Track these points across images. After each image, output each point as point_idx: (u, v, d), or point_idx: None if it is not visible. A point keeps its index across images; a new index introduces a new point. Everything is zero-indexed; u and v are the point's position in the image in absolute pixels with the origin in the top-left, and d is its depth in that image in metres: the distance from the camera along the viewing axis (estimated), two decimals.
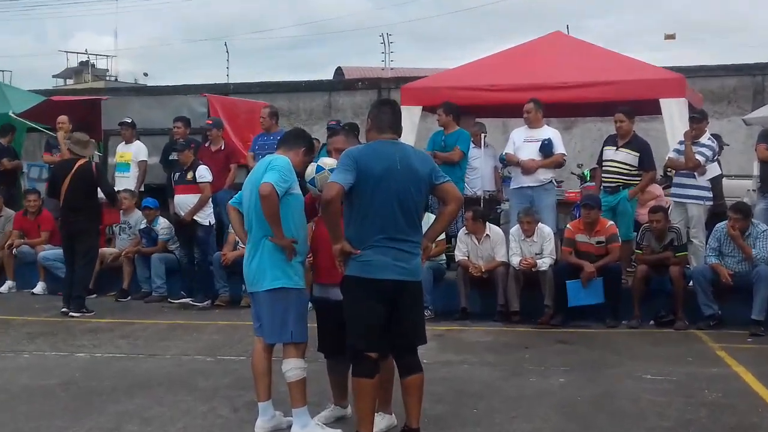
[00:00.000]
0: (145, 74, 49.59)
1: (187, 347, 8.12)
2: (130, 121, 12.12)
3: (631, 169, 9.75)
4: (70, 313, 9.70)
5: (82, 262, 9.91)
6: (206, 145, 11.68)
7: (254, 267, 5.35)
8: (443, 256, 10.09)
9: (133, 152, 12.00)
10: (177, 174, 10.68)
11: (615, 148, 9.84)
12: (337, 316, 5.14)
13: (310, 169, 5.37)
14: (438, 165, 10.10)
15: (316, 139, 12.33)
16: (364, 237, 4.85)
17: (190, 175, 10.51)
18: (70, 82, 51.73)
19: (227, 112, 13.05)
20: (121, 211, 11.45)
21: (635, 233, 9.95)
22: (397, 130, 5.10)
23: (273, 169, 5.24)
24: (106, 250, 11.31)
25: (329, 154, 5.57)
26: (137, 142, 12.14)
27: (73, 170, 9.80)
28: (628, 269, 9.97)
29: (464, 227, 9.78)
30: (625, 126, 9.76)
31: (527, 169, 9.92)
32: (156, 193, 11.70)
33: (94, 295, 10.87)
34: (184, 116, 11.95)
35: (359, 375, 4.88)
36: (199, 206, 10.42)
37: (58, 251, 10.82)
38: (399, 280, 4.88)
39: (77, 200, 9.81)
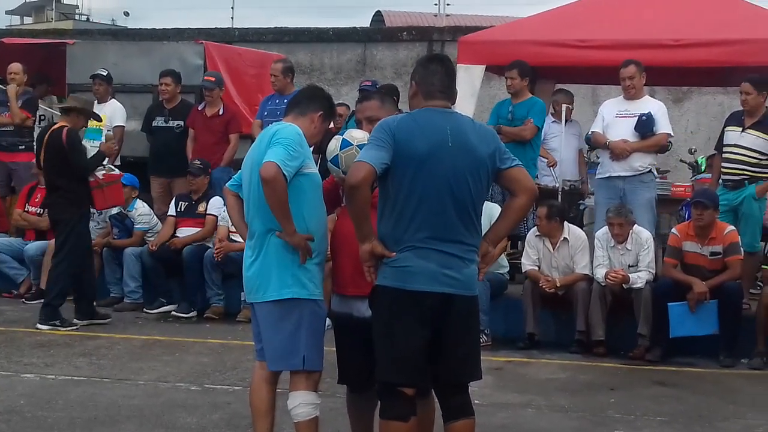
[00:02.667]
0: (126, 14, 50.36)
1: (167, 372, 8.19)
2: (105, 74, 12.22)
3: (760, 157, 9.68)
4: (37, 325, 9.78)
5: (55, 260, 9.98)
6: (199, 108, 11.77)
7: (256, 271, 5.37)
8: (505, 264, 10.06)
9: (107, 114, 12.10)
10: (183, 204, 10.91)
11: (740, 129, 9.77)
12: (363, 337, 5.15)
13: (334, 144, 5.34)
14: (504, 143, 10.29)
15: (344, 104, 12.57)
16: (402, 236, 4.85)
17: (202, 207, 10.81)
18: (28, 20, 52.42)
19: (230, 66, 13.15)
20: None
21: (763, 242, 9.86)
22: (451, 95, 5.09)
23: (278, 142, 5.23)
24: None
25: (358, 124, 5.55)
26: (113, 101, 12.25)
27: (45, 138, 10.02)
28: (751, 290, 9.89)
29: (535, 228, 9.76)
30: (753, 100, 9.67)
31: (617, 153, 9.88)
32: (135, 169, 11.80)
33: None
34: (174, 70, 12.03)
35: (390, 416, 4.89)
36: (193, 240, 10.71)
37: (5, 240, 10.96)
38: (447, 293, 4.88)
39: (51, 178, 10.06)
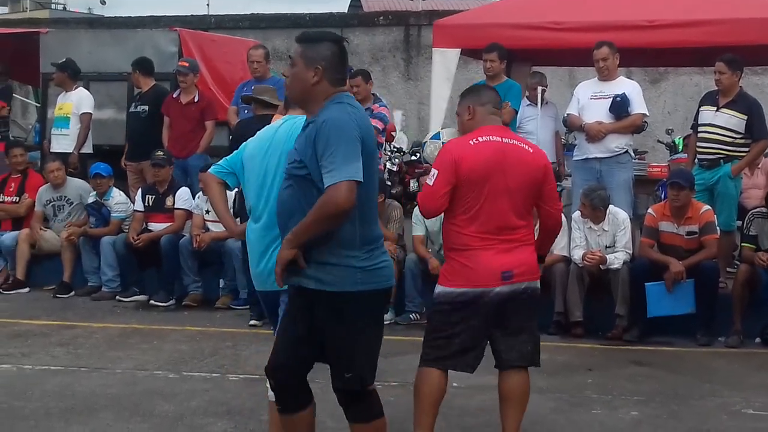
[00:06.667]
0: (103, 2, 49.91)
1: (145, 360, 8.18)
2: (60, 63, 12.09)
3: (735, 136, 9.69)
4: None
5: None
6: (174, 95, 11.72)
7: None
8: None
9: (73, 102, 12.03)
10: (150, 198, 10.87)
11: (715, 108, 9.78)
12: None
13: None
14: None
15: None
16: (369, 234, 4.84)
17: (169, 201, 10.77)
18: (3, 10, 52.02)
19: (205, 53, 13.12)
20: (48, 185, 11.49)
21: (740, 222, 9.89)
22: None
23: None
24: (45, 234, 11.39)
25: None
26: (80, 89, 12.14)
27: None
28: (728, 269, 9.93)
29: None
30: (727, 80, 9.67)
31: (593, 135, 9.90)
32: (111, 157, 11.76)
33: (26, 289, 11.11)
34: (143, 58, 11.96)
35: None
36: (162, 235, 10.63)
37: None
38: None
39: None
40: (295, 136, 5.14)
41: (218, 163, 5.64)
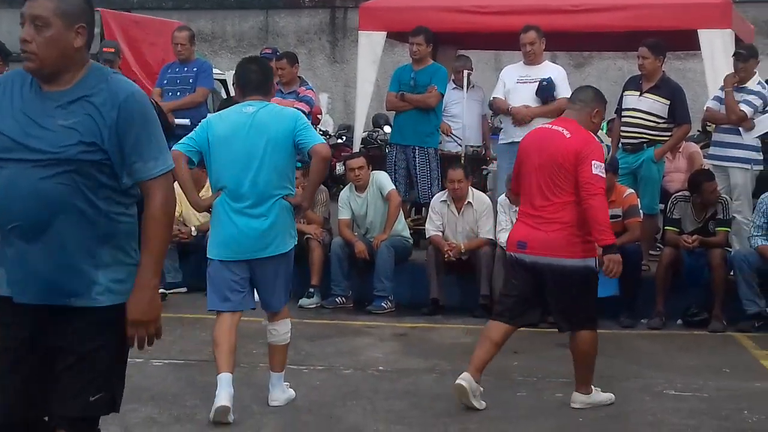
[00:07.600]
0: None
1: None
2: None
3: (658, 121, 9.79)
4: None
5: None
6: None
7: (267, 228, 6.02)
8: (405, 230, 10.05)
9: None
10: None
11: (638, 93, 9.87)
12: None
13: None
14: (408, 110, 10.34)
15: None
16: None
17: None
18: None
19: (127, 34, 12.95)
20: None
21: (662, 205, 10.02)
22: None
23: (308, 127, 6.17)
24: None
25: None
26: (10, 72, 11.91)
27: None
28: (650, 252, 10.06)
29: (440, 193, 9.78)
30: (650, 65, 9.77)
31: (519, 119, 9.95)
32: None
33: None
34: None
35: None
36: None
37: None
38: None
39: None
40: (282, 123, 5.99)
41: (182, 140, 6.11)
